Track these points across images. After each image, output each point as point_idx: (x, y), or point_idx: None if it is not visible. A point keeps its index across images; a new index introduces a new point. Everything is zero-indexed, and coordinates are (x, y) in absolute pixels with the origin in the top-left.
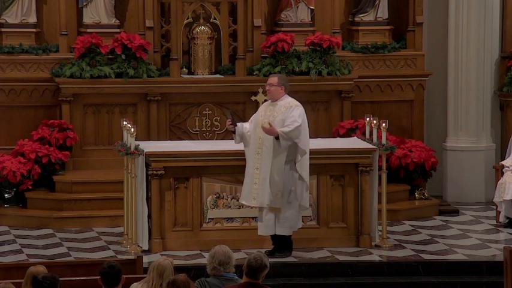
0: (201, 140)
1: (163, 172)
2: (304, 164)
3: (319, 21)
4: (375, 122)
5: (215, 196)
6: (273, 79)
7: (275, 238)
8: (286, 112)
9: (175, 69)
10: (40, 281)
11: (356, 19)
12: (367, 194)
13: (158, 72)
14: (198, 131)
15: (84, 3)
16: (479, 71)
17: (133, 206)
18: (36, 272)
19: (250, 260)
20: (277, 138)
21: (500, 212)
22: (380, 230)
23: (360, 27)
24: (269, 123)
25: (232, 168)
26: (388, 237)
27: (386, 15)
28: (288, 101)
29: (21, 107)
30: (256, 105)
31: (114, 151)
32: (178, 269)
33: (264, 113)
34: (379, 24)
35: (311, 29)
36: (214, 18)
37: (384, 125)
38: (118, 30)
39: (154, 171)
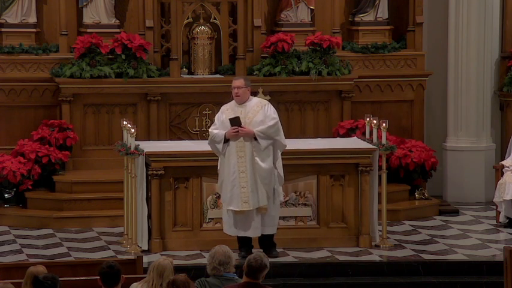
0: (201, 140)
1: (163, 172)
2: (280, 160)
3: (319, 21)
4: (374, 122)
5: (215, 196)
6: (240, 81)
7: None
8: (263, 111)
9: (175, 69)
10: (41, 281)
11: (356, 19)
12: (367, 194)
13: (158, 72)
14: (198, 131)
15: (84, 3)
16: (479, 71)
17: (133, 206)
18: (36, 272)
19: (250, 260)
20: (255, 139)
21: (500, 212)
22: (380, 230)
23: (360, 27)
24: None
25: None
26: (388, 237)
27: (386, 15)
28: (257, 100)
29: (21, 107)
30: None
31: (114, 151)
32: (178, 269)
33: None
34: (379, 24)
35: (311, 29)
36: (214, 18)
37: (384, 125)
38: (118, 30)
39: (154, 171)
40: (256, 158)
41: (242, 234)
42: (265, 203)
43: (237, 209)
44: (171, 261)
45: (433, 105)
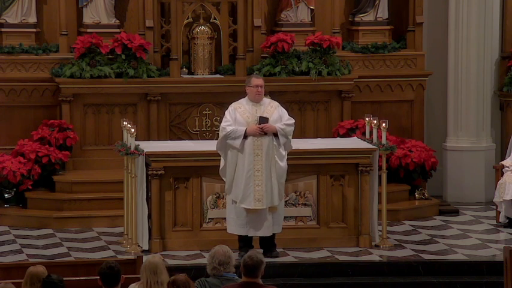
0: (201, 140)
1: (163, 172)
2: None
3: (319, 21)
4: (375, 122)
5: (215, 196)
6: (262, 80)
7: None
8: (277, 111)
9: (175, 69)
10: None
11: (356, 19)
12: (367, 194)
13: (158, 72)
14: (198, 131)
15: (84, 3)
16: (479, 71)
17: (133, 206)
18: (36, 272)
19: (245, 259)
20: (275, 135)
21: (500, 212)
22: (380, 230)
23: (360, 27)
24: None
25: None
26: (388, 237)
27: (386, 15)
28: (268, 100)
29: (21, 107)
30: None
31: (114, 151)
32: (178, 269)
33: (250, 115)
34: (379, 24)
35: (311, 29)
36: (214, 18)
37: (383, 125)
38: (118, 30)
39: (154, 171)
40: (276, 156)
41: (252, 233)
42: (278, 202)
43: (250, 207)
44: (160, 257)
45: (433, 105)
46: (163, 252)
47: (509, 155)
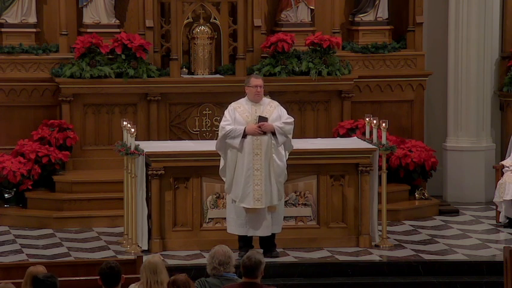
0: (201, 140)
1: (163, 172)
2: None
3: (319, 21)
4: (374, 122)
5: (215, 196)
6: (261, 80)
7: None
8: (277, 111)
9: (175, 69)
10: (41, 279)
11: (356, 19)
12: (367, 194)
13: (158, 72)
14: (198, 131)
15: (84, 3)
16: (479, 71)
17: (133, 206)
18: (36, 272)
19: (244, 260)
20: (273, 134)
21: (500, 212)
22: (380, 230)
23: (360, 27)
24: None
25: None
26: (388, 237)
27: (386, 15)
28: (268, 100)
29: (21, 107)
30: None
31: (114, 151)
32: (178, 269)
33: (249, 114)
34: (379, 24)
35: (311, 29)
36: (214, 18)
37: (383, 125)
38: (118, 30)
39: (154, 171)
40: (274, 155)
41: (252, 233)
42: (277, 202)
43: (250, 207)
44: (160, 257)
45: (433, 105)
46: (163, 252)
47: (509, 155)
